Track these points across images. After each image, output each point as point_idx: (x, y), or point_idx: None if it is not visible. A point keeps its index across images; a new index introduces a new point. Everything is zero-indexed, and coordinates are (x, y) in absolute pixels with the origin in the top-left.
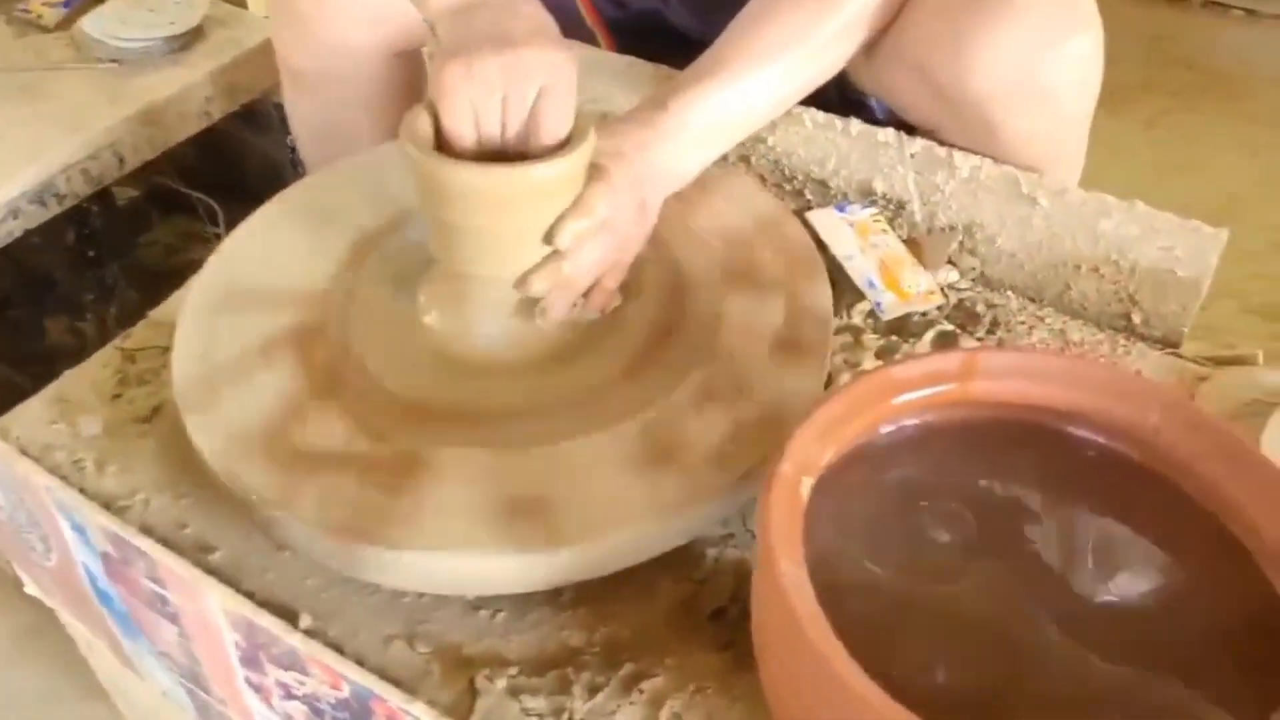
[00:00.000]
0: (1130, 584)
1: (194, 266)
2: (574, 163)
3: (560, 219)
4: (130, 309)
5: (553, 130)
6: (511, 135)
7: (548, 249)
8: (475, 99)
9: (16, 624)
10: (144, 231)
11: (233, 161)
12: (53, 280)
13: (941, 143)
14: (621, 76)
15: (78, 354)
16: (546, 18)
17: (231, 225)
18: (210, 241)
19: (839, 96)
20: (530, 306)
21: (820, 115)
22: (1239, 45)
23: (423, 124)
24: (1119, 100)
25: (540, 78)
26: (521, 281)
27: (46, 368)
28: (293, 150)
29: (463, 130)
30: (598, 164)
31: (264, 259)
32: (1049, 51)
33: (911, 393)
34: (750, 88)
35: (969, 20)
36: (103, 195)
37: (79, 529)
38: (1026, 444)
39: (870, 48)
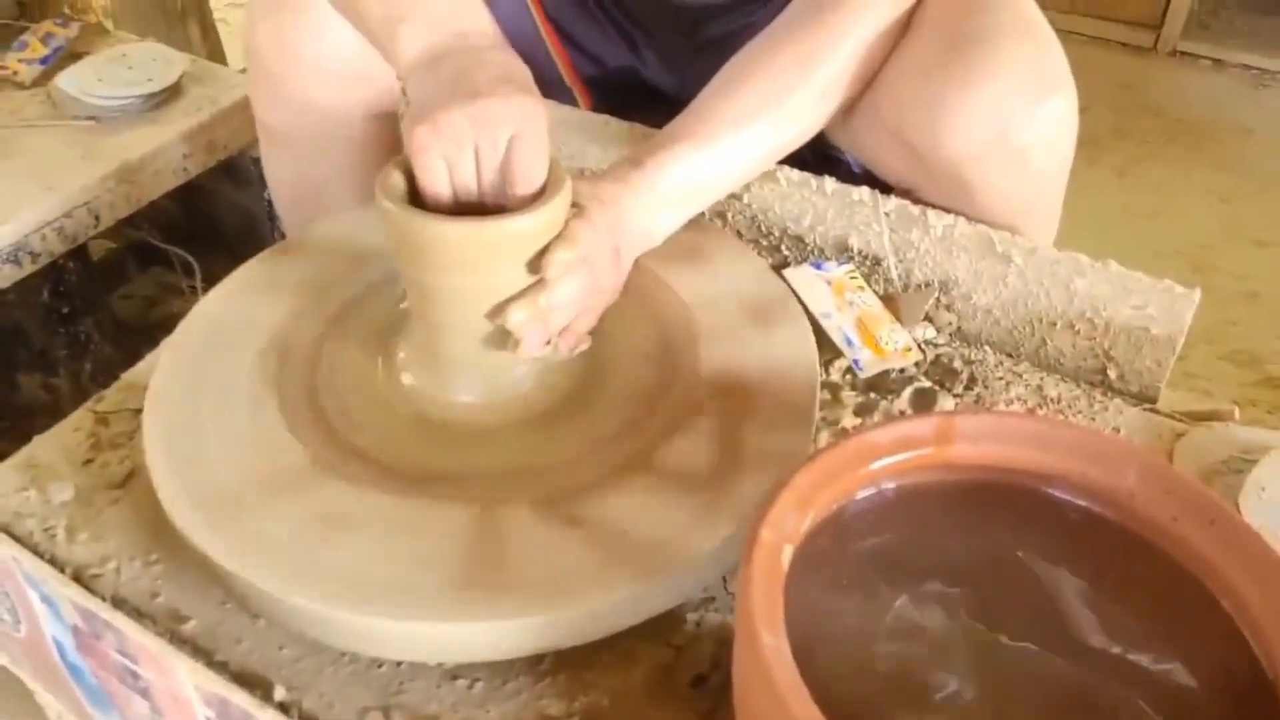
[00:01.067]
0: (1110, 644)
1: (171, 321)
2: (549, 214)
3: (547, 249)
4: (105, 364)
5: (527, 176)
6: (487, 185)
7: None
8: (447, 153)
9: None
10: (120, 285)
11: (210, 215)
12: (26, 335)
13: (917, 201)
14: (597, 134)
15: (52, 410)
16: (515, 64)
17: (209, 279)
18: (187, 295)
19: (814, 153)
20: (504, 348)
21: (795, 174)
22: (1206, 94)
23: (396, 180)
24: (1091, 148)
25: (510, 125)
26: (498, 310)
27: (19, 424)
28: (270, 205)
29: (438, 186)
30: (576, 204)
31: (241, 320)
32: (1023, 114)
33: (889, 457)
34: (725, 151)
35: (943, 84)
36: (78, 250)
37: (48, 601)
38: (1005, 506)
39: (847, 109)
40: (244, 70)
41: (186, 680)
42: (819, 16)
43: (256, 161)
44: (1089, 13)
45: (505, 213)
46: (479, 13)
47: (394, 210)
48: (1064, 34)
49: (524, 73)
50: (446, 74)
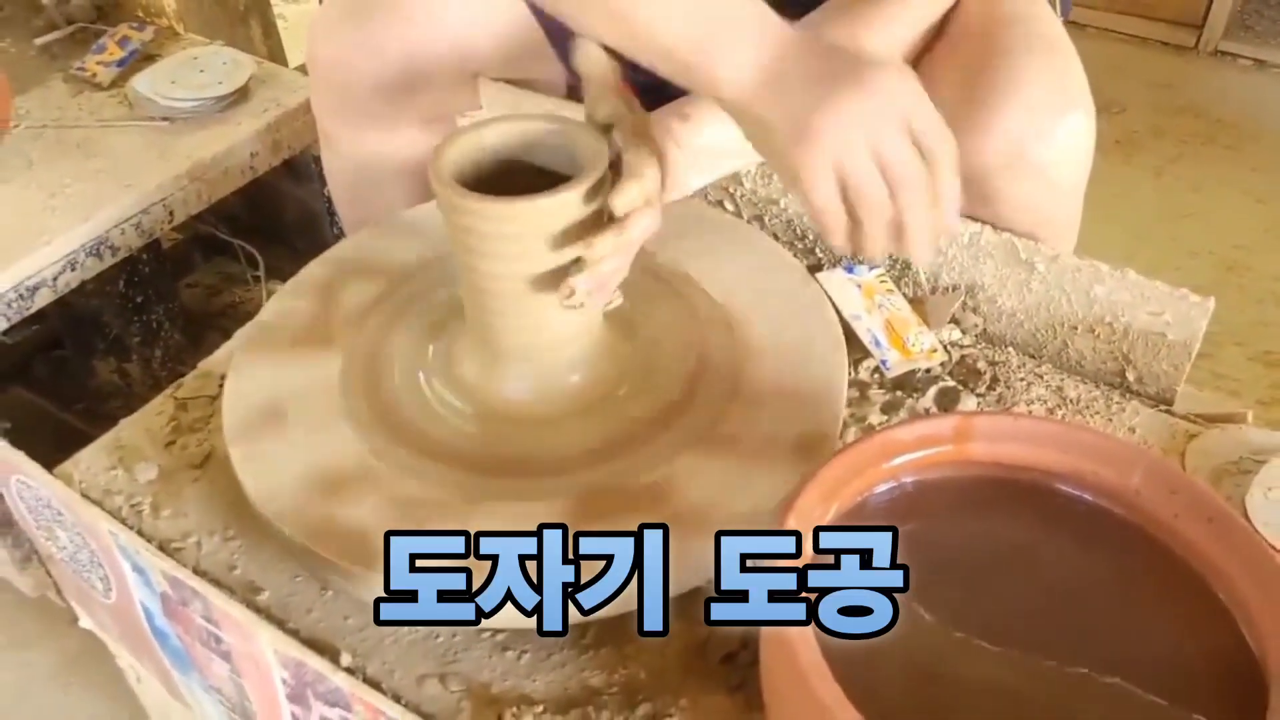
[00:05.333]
0: (1114, 634)
1: (232, 309)
2: (582, 193)
3: (620, 184)
4: (174, 350)
5: (946, 135)
6: (903, 180)
7: (567, 299)
8: (840, 160)
9: (66, 649)
10: (187, 274)
11: (272, 209)
12: (102, 323)
13: None
14: None
15: (124, 393)
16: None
17: (270, 269)
18: (249, 285)
19: None
20: (552, 290)
21: None
22: (1246, 94)
23: (450, 157)
24: (1128, 147)
25: (902, 101)
26: (586, 253)
27: (93, 406)
28: (329, 201)
29: (832, 203)
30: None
31: (305, 320)
32: (1042, 130)
33: (910, 454)
34: None
35: (966, 99)
36: (151, 243)
37: (140, 570)
38: (1018, 501)
39: None
40: (300, 68)
41: (267, 646)
42: (863, 6)
43: (317, 160)
44: (1130, 11)
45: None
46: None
47: (439, 188)
48: (1104, 32)
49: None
50: (799, 77)
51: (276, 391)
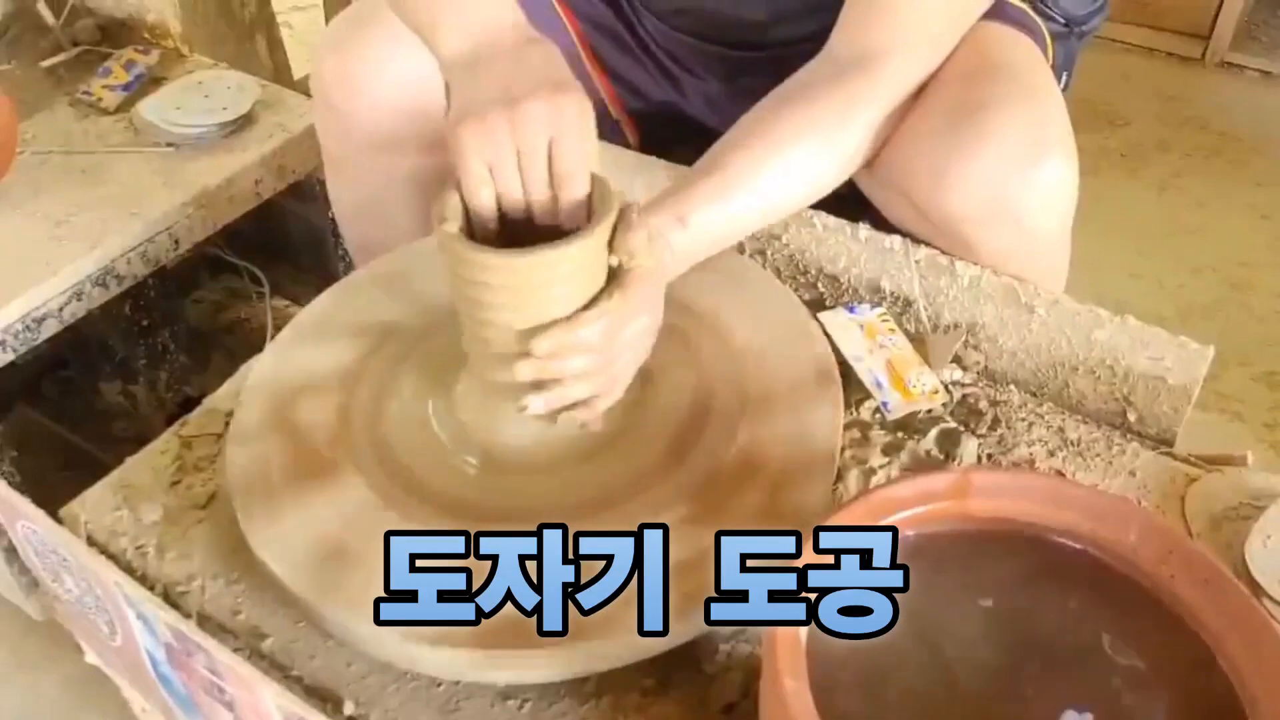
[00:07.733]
0: (1110, 688)
1: (238, 325)
2: (587, 246)
3: (546, 331)
4: (180, 372)
5: (568, 174)
6: (533, 191)
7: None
8: (489, 157)
9: (72, 674)
10: (192, 290)
11: (277, 228)
12: (109, 347)
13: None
14: (643, 172)
15: (129, 415)
16: (555, 63)
17: (275, 287)
18: (254, 302)
19: (851, 192)
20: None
21: (831, 220)
22: (1253, 106)
23: (453, 204)
24: (1133, 160)
25: (549, 127)
26: (532, 346)
27: (99, 428)
28: (334, 221)
29: (481, 191)
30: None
31: (310, 360)
32: (1017, 179)
33: (909, 510)
34: (750, 219)
35: (944, 151)
36: (157, 268)
37: (144, 619)
38: (1016, 556)
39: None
40: (307, 79)
41: (270, 700)
42: (842, 82)
43: (321, 183)
44: (1135, 21)
45: (554, 230)
46: (506, 7)
47: (443, 237)
48: (1109, 42)
49: (562, 68)
50: (487, 78)
51: (280, 439)
